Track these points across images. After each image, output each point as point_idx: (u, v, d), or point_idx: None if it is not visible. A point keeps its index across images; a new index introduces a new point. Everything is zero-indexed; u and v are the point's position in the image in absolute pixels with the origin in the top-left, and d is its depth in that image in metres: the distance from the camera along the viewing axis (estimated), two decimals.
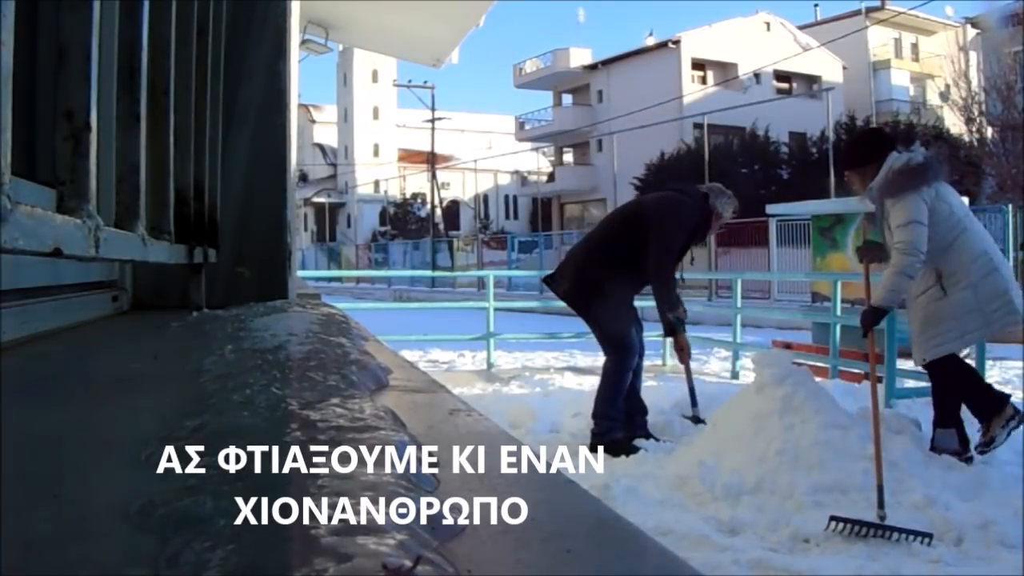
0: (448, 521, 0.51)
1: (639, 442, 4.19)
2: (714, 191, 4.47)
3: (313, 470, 0.55)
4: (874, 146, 3.78)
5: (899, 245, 3.41)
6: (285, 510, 0.49)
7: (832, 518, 2.94)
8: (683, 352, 4.56)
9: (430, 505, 0.52)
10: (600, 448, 4.12)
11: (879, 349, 4.37)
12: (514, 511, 0.58)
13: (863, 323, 3.58)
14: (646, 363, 4.97)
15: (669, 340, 4.93)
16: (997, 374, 7.01)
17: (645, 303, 4.91)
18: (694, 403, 4.72)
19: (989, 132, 21.91)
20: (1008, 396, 3.62)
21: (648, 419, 4.46)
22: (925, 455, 3.54)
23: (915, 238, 3.40)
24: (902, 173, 3.52)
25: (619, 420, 4.25)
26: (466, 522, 0.53)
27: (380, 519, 0.47)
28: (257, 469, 0.57)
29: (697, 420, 4.55)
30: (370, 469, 0.57)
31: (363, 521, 0.46)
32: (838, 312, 6.37)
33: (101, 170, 0.76)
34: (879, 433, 3.25)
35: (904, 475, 3.30)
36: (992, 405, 3.57)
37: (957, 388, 3.66)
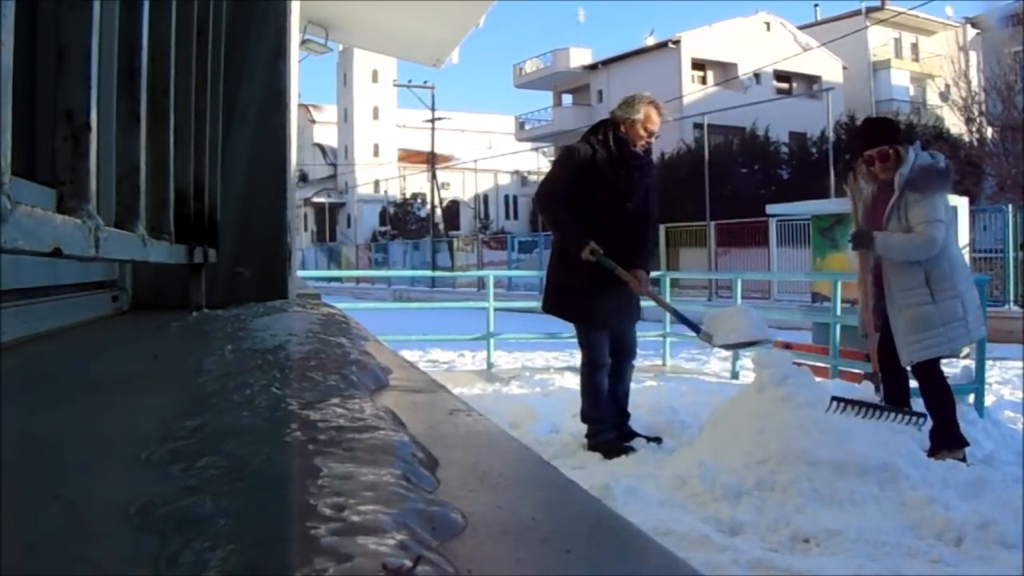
0: (448, 521, 0.51)
1: (637, 442, 4.16)
2: (620, 106, 4.13)
3: (313, 470, 0.55)
4: (891, 129, 4.04)
5: (926, 236, 3.63)
6: (285, 510, 0.50)
7: (834, 398, 3.25)
8: (638, 283, 4.08)
9: (430, 505, 0.52)
10: (596, 449, 4.13)
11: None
12: (514, 511, 0.58)
13: (856, 240, 3.84)
14: (646, 363, 4.88)
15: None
16: (997, 374, 7.02)
17: (645, 303, 4.72)
18: (695, 328, 4.27)
19: (989, 132, 21.89)
20: (967, 443, 3.75)
21: (648, 419, 4.43)
22: (925, 455, 3.54)
23: (940, 235, 3.64)
24: (930, 172, 3.71)
25: (606, 422, 4.18)
26: (466, 522, 0.52)
27: (380, 519, 0.47)
28: (257, 469, 0.57)
29: (708, 337, 4.13)
30: (370, 469, 0.57)
31: (363, 521, 0.46)
32: (838, 312, 6.37)
33: (101, 170, 0.76)
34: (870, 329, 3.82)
35: (904, 475, 3.30)
36: (953, 439, 3.70)
37: (945, 394, 3.77)
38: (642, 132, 4.05)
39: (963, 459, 3.65)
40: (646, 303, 4.61)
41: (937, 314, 3.67)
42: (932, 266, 3.68)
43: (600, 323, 4.18)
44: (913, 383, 3.94)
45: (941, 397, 3.76)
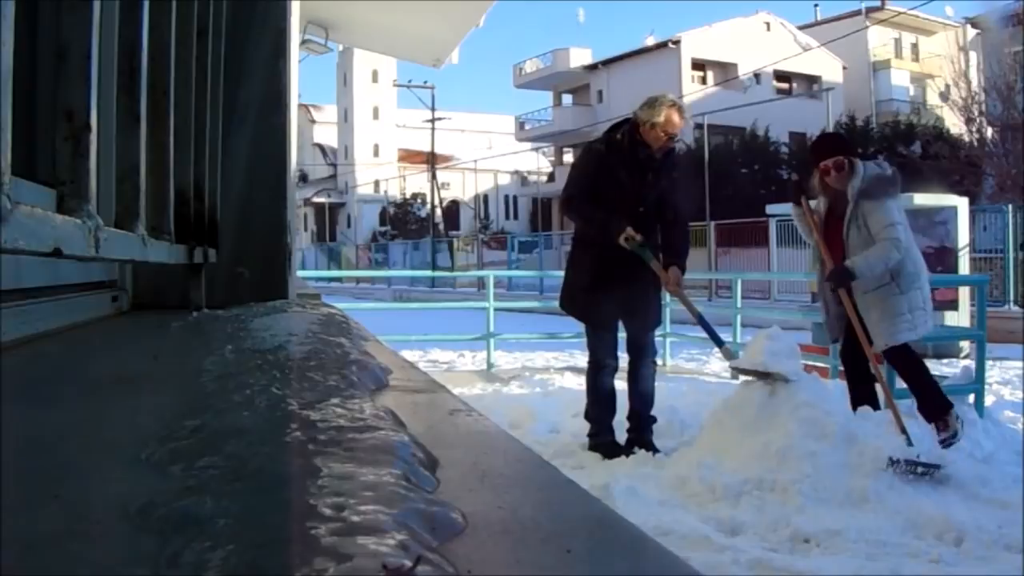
0: (448, 521, 0.51)
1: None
2: (642, 107, 4.09)
3: (313, 470, 0.55)
4: (845, 142, 4.48)
5: (892, 240, 3.86)
6: (285, 510, 0.50)
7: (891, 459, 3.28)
8: (668, 279, 3.98)
9: (430, 505, 0.52)
10: (595, 450, 4.12)
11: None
12: (514, 511, 0.58)
13: (837, 280, 3.91)
14: None
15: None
16: (997, 374, 7.02)
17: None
18: (719, 342, 4.12)
19: (989, 132, 21.88)
20: (951, 404, 3.96)
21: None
22: (925, 456, 3.54)
23: (902, 235, 3.89)
24: (880, 180, 3.96)
25: (603, 422, 4.16)
26: (466, 522, 0.52)
27: (380, 519, 0.47)
28: (257, 469, 0.57)
29: (729, 355, 4.03)
30: (370, 469, 0.57)
31: (363, 521, 0.46)
32: None
33: (101, 170, 0.76)
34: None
35: (904, 475, 3.30)
36: (942, 405, 3.91)
37: (919, 366, 4.01)
38: (661, 135, 4.02)
39: (958, 419, 3.84)
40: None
41: (904, 302, 3.92)
42: (898, 266, 3.90)
43: (602, 323, 4.17)
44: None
45: (916, 370, 3.98)
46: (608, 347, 4.21)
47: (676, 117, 4.03)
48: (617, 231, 3.91)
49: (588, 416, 4.21)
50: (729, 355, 4.14)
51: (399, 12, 4.86)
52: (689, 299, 4.30)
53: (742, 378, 4.06)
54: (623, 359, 4.32)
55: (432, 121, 37.17)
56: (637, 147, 4.03)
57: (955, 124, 24.10)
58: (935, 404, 3.91)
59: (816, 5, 37.77)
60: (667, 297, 4.54)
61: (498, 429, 0.85)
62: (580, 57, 37.36)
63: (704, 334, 4.20)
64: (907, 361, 4.01)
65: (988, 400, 5.13)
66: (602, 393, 4.19)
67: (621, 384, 4.28)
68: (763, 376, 3.72)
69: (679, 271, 4.06)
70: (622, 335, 4.31)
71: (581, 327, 4.47)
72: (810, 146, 4.91)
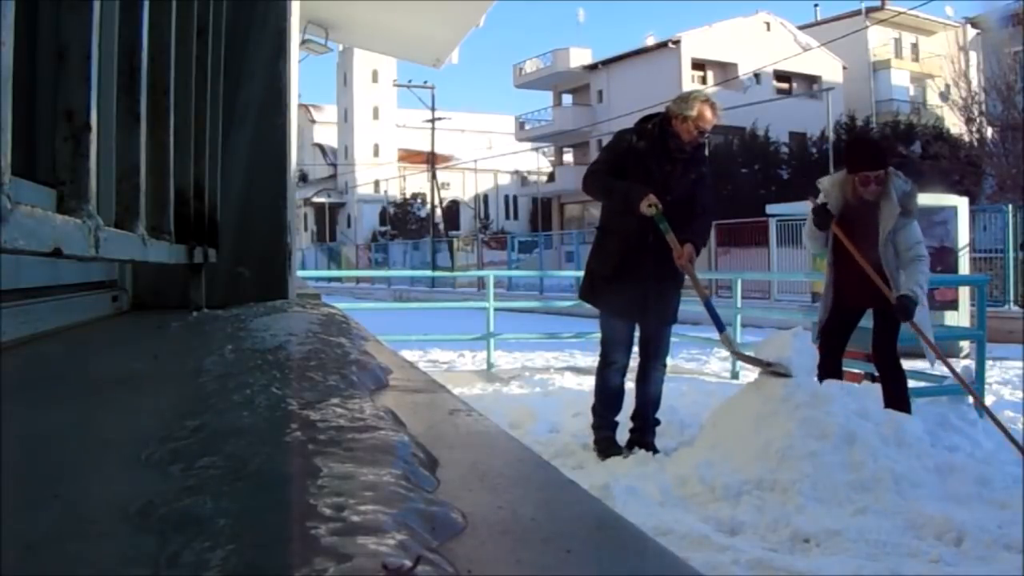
0: (448, 521, 0.51)
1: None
2: (676, 101, 4.14)
3: (313, 470, 0.55)
4: (885, 154, 4.44)
5: (923, 258, 4.09)
6: (285, 510, 0.50)
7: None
8: (682, 253, 3.96)
9: (430, 505, 0.52)
10: (596, 446, 4.13)
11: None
12: (514, 511, 0.58)
13: (905, 313, 3.99)
14: None
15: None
16: (997, 374, 7.02)
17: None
18: (720, 327, 4.07)
19: (989, 132, 21.88)
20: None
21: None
22: (924, 456, 3.54)
23: (926, 252, 4.12)
24: (910, 197, 4.09)
25: (605, 419, 4.17)
26: (466, 522, 0.52)
27: (380, 519, 0.47)
28: (257, 469, 0.57)
29: (728, 342, 4.10)
30: (370, 469, 0.57)
31: (363, 521, 0.46)
32: None
33: (101, 170, 0.76)
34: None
35: (904, 475, 3.30)
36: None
37: (905, 381, 4.20)
38: (692, 129, 4.04)
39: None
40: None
41: (927, 314, 4.15)
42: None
43: (618, 314, 4.17)
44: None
45: (903, 383, 4.13)
46: (620, 343, 4.21)
47: (708, 112, 4.07)
48: (640, 196, 3.90)
49: (593, 411, 4.23)
50: (728, 341, 4.16)
51: (399, 12, 4.86)
52: (698, 278, 4.26)
53: (743, 365, 4.06)
54: (634, 359, 4.32)
55: (432, 121, 37.16)
56: (668, 138, 4.07)
57: (955, 124, 24.11)
58: (901, 405, 3.99)
59: (816, 5, 37.88)
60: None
61: (498, 429, 0.85)
62: (580, 57, 37.37)
63: (700, 334, 4.22)
64: (900, 372, 4.14)
65: (988, 400, 5.13)
66: (607, 390, 4.21)
67: (630, 383, 4.29)
68: (765, 367, 3.75)
69: (693, 249, 4.05)
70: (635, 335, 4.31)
71: (583, 326, 4.48)
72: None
